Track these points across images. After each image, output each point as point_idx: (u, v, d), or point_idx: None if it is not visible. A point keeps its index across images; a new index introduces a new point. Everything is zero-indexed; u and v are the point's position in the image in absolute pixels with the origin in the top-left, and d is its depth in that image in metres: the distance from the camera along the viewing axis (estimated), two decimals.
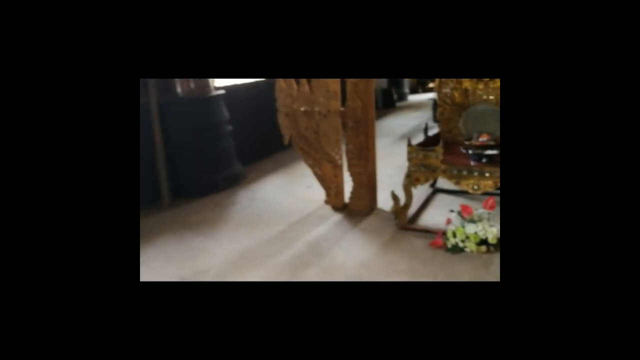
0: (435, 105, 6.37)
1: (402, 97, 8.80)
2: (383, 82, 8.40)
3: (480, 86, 2.92)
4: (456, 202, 3.08)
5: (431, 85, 9.97)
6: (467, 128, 2.93)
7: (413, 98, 9.13)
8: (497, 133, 2.82)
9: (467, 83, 2.96)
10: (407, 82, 9.10)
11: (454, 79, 2.96)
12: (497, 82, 2.86)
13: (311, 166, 3.14)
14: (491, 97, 2.92)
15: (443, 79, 3.00)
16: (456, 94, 2.99)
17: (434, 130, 3.32)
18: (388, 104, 8.08)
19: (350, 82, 2.78)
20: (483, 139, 2.69)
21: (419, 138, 2.84)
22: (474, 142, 2.70)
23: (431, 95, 8.72)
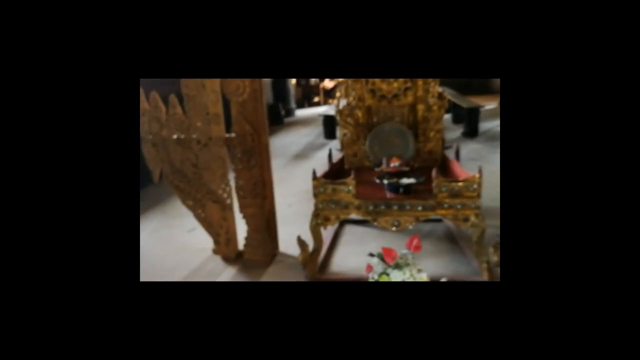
0: (326, 121, 6.18)
1: (290, 112, 8.47)
2: (268, 97, 7.94)
3: (384, 104, 2.61)
4: (369, 236, 2.71)
5: (317, 99, 10.01)
6: (375, 151, 2.59)
7: (300, 113, 8.87)
8: (408, 155, 2.54)
9: (370, 101, 2.62)
10: (293, 97, 8.81)
11: (356, 95, 2.60)
12: (402, 100, 2.59)
13: (192, 208, 2.45)
14: (396, 115, 2.63)
15: (341, 91, 2.61)
16: (359, 113, 2.63)
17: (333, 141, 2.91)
18: (275, 120, 7.64)
19: (235, 102, 2.20)
20: (394, 164, 2.35)
21: (315, 158, 2.45)
22: (385, 168, 2.36)
23: (319, 109, 8.64)
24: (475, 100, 6.47)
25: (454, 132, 5.74)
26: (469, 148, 4.92)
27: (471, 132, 5.41)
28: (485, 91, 9.43)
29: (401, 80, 2.54)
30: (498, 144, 5.10)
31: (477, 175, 1.93)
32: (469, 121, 5.42)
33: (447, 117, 6.58)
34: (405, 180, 2.14)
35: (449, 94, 7.01)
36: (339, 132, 2.74)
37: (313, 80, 10.03)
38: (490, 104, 7.47)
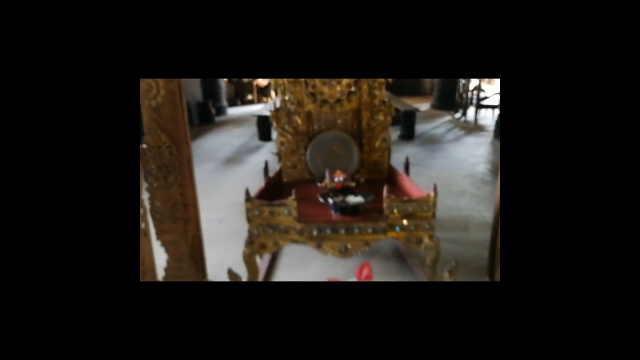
0: (260, 121, 5.80)
1: (221, 111, 7.92)
2: (198, 95, 7.34)
3: (326, 109, 2.35)
4: (311, 256, 2.43)
5: (250, 97, 9.54)
6: (316, 163, 2.32)
7: (233, 112, 8.36)
8: (352, 167, 2.30)
9: (310, 106, 2.34)
10: (224, 95, 8.26)
11: (294, 100, 2.30)
12: (345, 106, 2.34)
13: None
14: (338, 122, 2.38)
15: (277, 88, 2.31)
16: (299, 120, 2.33)
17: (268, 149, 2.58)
18: (206, 119, 7.07)
19: (147, 107, 1.78)
20: (339, 178, 2.10)
21: (249, 163, 2.13)
22: (328, 183, 2.09)
23: (253, 108, 8.20)
24: (409, 102, 6.51)
25: (392, 135, 5.69)
26: (406, 152, 4.87)
27: (408, 135, 5.39)
28: (417, 92, 9.67)
29: (344, 83, 2.30)
30: (435, 147, 5.13)
31: (432, 194, 1.74)
32: (406, 124, 5.39)
33: None
34: (353, 199, 1.89)
35: (384, 95, 7.02)
36: (275, 135, 2.42)
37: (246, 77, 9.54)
38: (423, 106, 7.62)
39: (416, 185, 2.07)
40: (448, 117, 6.92)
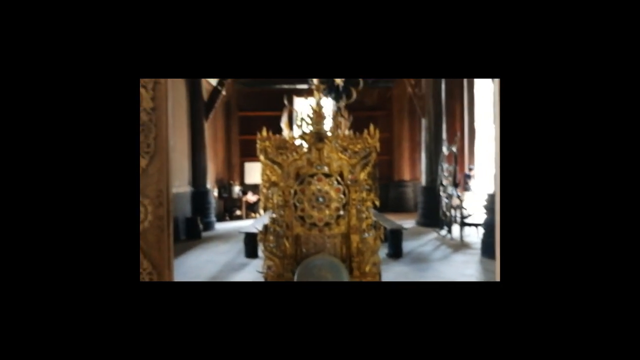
0: (247, 238, 5.76)
1: (209, 226, 7.92)
2: (187, 210, 7.40)
3: (314, 232, 2.35)
4: None
5: (238, 213, 9.65)
6: None
7: (221, 227, 8.35)
8: None
9: (299, 229, 2.34)
10: (213, 210, 8.36)
11: (283, 223, 2.31)
12: (334, 229, 2.35)
13: None
14: (327, 246, 2.36)
15: (266, 208, 2.31)
16: (287, 243, 2.31)
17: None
18: (193, 235, 7.02)
19: None
20: None
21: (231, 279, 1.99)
22: None
23: (241, 224, 8.23)
24: (394, 219, 6.64)
25: (380, 253, 5.64)
26: (395, 271, 4.78)
27: (396, 253, 5.36)
28: (401, 209, 9.95)
29: (333, 207, 2.35)
30: (424, 266, 5.07)
31: None
32: (393, 242, 5.41)
33: None
34: None
35: (372, 213, 7.20)
36: (261, 252, 2.36)
37: (235, 193, 9.79)
38: (407, 223, 7.76)
39: None
40: (434, 235, 7.00)
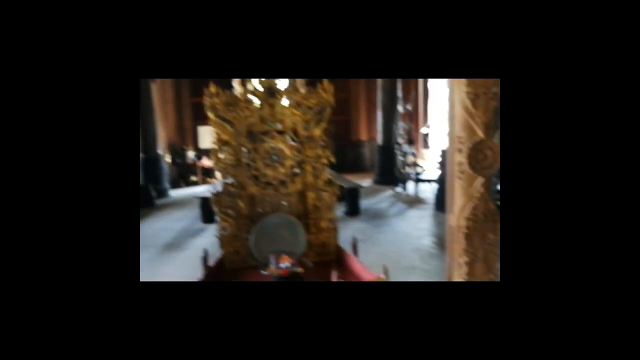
0: (203, 204, 5.61)
1: (163, 193, 7.62)
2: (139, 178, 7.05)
3: (270, 192, 2.30)
4: None
5: (194, 179, 9.36)
6: (260, 248, 2.20)
7: (175, 194, 8.08)
8: (299, 250, 2.20)
9: (253, 188, 2.28)
10: (167, 176, 8.03)
11: (237, 183, 2.23)
12: (290, 187, 2.31)
13: None
14: (283, 203, 2.32)
15: (220, 170, 2.23)
16: (241, 203, 2.25)
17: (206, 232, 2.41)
18: (146, 203, 6.73)
19: None
20: (285, 264, 1.98)
21: (192, 248, 1.96)
22: (274, 270, 1.96)
23: (197, 190, 7.99)
24: (352, 178, 6.72)
25: (337, 211, 5.73)
26: (353, 227, 4.88)
27: (353, 211, 5.46)
28: (358, 169, 10.09)
29: (288, 165, 2.29)
30: (381, 222, 5.21)
31: (383, 276, 1.68)
32: (350, 201, 5.49)
33: None
34: None
35: (329, 173, 7.23)
36: (220, 226, 2.29)
37: (189, 158, 9.44)
38: (365, 182, 7.90)
39: (365, 266, 2.01)
40: (390, 192, 7.19)
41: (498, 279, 1.84)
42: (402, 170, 7.16)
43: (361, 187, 5.83)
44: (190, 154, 9.49)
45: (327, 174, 2.35)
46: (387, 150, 7.70)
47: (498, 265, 1.89)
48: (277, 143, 2.27)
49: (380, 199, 6.66)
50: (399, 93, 7.73)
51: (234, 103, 2.19)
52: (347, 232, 4.75)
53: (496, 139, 1.89)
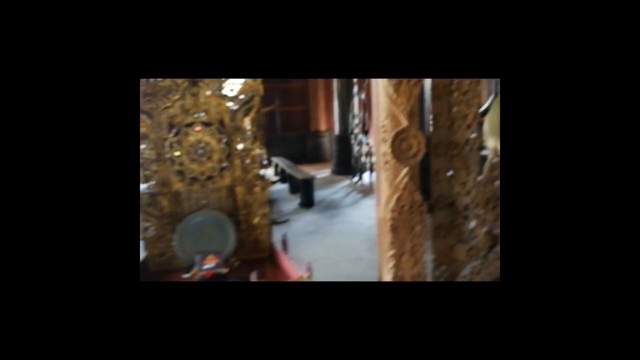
0: None
1: None
2: None
3: (196, 188, 2.15)
4: None
5: None
6: (186, 249, 2.06)
7: None
8: (228, 249, 2.08)
9: (178, 185, 2.12)
10: None
11: (159, 179, 2.07)
12: (218, 182, 2.17)
13: None
14: (212, 200, 2.19)
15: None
16: (164, 201, 2.09)
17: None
18: None
19: None
20: (209, 264, 1.86)
21: None
22: (197, 272, 1.84)
23: None
24: (309, 170, 6.64)
25: (292, 203, 5.63)
26: (306, 219, 4.81)
27: (307, 202, 5.38)
28: (318, 159, 10.01)
29: (215, 159, 2.15)
30: (334, 213, 5.16)
31: (307, 275, 1.59)
32: (305, 192, 5.41)
33: (285, 187, 6.55)
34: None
35: (284, 164, 7.10)
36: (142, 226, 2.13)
37: None
38: (323, 172, 7.84)
39: (295, 263, 1.92)
40: (347, 182, 7.16)
41: (425, 273, 1.80)
42: (358, 160, 7.14)
43: (315, 178, 5.76)
44: None
45: (257, 170, 2.22)
46: (344, 140, 7.66)
47: (426, 259, 1.85)
48: (203, 136, 2.12)
49: (336, 190, 6.62)
50: (354, 81, 7.67)
51: (151, 93, 2.01)
52: (300, 224, 4.68)
53: (494, 138, 1.85)
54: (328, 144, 10.22)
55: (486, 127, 2.86)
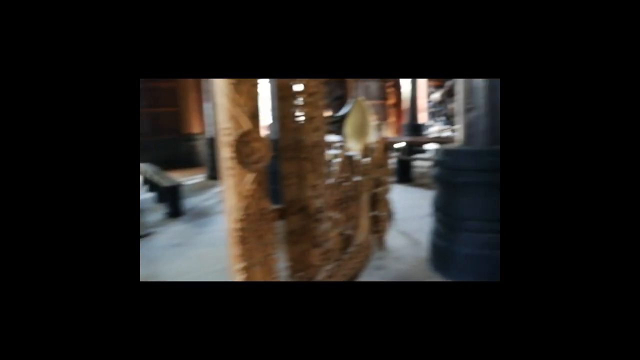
0: None
1: None
2: None
3: None
4: None
5: None
6: None
7: None
8: None
9: None
10: None
11: None
12: None
13: None
14: None
15: None
16: None
17: None
18: None
19: None
20: None
21: None
22: None
23: None
24: (182, 175, 6.15)
25: (158, 214, 5.11)
26: (172, 231, 4.40)
27: (174, 212, 4.93)
28: (192, 164, 9.43)
29: None
30: (204, 221, 4.83)
31: None
32: (171, 200, 4.95)
33: (152, 196, 5.94)
34: None
35: (149, 171, 6.44)
36: None
37: None
38: (197, 178, 7.38)
39: None
40: (220, 187, 6.85)
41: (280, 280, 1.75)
42: None
43: (183, 184, 5.33)
44: None
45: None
46: (217, 143, 7.32)
47: (278, 267, 1.76)
48: None
49: (209, 196, 6.26)
50: None
51: None
52: (164, 237, 4.24)
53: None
54: (203, 147, 9.70)
55: (348, 129, 2.94)
